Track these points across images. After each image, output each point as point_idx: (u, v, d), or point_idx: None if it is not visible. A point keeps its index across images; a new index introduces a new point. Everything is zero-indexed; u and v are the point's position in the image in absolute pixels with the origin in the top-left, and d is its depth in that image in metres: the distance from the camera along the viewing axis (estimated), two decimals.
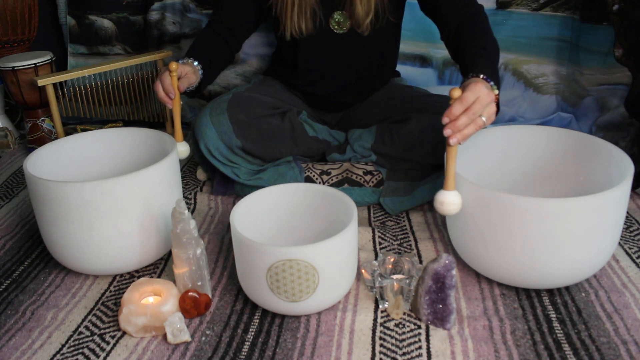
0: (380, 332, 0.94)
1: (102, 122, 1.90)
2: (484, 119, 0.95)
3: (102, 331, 0.98)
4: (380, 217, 1.32)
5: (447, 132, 0.93)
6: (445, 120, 0.94)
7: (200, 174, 1.54)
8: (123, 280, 1.12)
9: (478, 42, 1.12)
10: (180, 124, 1.24)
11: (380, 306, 1.00)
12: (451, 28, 1.21)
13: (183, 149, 1.23)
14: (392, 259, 1.03)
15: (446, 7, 1.22)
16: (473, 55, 1.08)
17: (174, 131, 1.25)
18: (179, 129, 1.24)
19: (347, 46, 1.39)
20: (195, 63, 1.29)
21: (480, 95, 0.94)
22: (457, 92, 0.93)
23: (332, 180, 1.37)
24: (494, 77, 1.02)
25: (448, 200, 0.97)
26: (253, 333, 0.96)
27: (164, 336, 0.95)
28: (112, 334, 0.97)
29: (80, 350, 0.94)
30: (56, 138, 1.71)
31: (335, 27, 1.35)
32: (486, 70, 1.02)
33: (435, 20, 1.30)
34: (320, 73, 1.44)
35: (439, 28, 1.27)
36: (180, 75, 1.23)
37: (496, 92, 1.00)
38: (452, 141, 0.94)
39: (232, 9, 1.41)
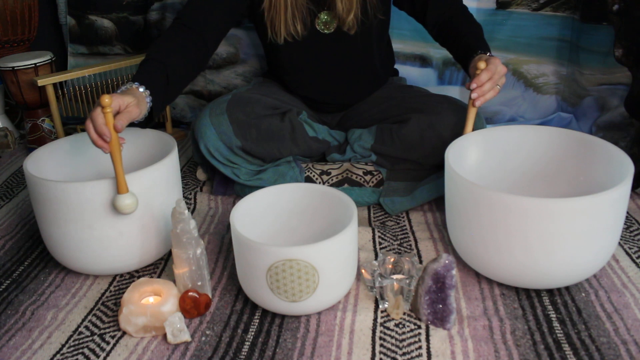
0: (380, 332, 0.94)
1: None
2: (498, 87, 1.16)
3: (102, 331, 0.98)
4: (380, 217, 1.32)
5: (474, 95, 1.14)
6: (473, 85, 1.14)
7: (200, 174, 1.54)
8: (123, 280, 1.12)
9: (472, 29, 1.31)
10: (122, 172, 0.99)
11: (380, 306, 1.00)
12: (440, 21, 1.35)
13: (129, 201, 0.99)
14: (392, 259, 1.03)
15: (436, 5, 1.35)
16: (475, 39, 1.27)
17: (117, 181, 0.99)
18: (121, 179, 0.99)
19: (335, 46, 1.37)
20: (142, 89, 1.07)
21: (499, 67, 1.15)
22: (483, 64, 1.14)
23: (332, 180, 1.37)
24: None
25: None
26: (253, 333, 0.96)
27: (164, 336, 0.95)
28: (112, 334, 0.97)
29: (80, 350, 0.94)
30: (56, 138, 1.71)
31: (322, 27, 1.33)
32: (488, 50, 1.24)
33: (421, 16, 1.38)
34: (312, 75, 1.43)
35: (425, 22, 1.38)
36: (119, 110, 1.00)
37: None
38: (477, 103, 1.14)
39: (206, 7, 1.26)
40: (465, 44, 1.27)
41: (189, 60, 1.22)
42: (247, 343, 0.93)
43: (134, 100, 1.03)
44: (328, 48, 1.37)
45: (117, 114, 1.00)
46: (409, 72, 1.75)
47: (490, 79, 1.13)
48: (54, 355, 0.93)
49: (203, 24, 1.25)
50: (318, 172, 1.38)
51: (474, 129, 1.25)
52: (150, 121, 1.13)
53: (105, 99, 0.95)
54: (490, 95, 1.14)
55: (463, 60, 1.29)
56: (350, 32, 1.32)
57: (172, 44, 1.21)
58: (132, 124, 1.05)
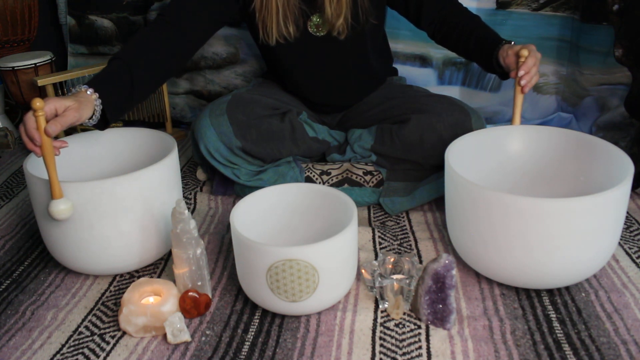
0: (380, 332, 0.94)
1: None
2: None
3: (102, 331, 0.98)
4: (380, 217, 1.32)
5: (523, 82, 1.13)
6: (521, 73, 1.12)
7: (200, 174, 1.54)
8: (123, 280, 1.12)
9: (477, 22, 1.31)
10: (56, 177, 0.97)
11: (380, 306, 1.00)
12: (437, 20, 1.35)
13: (63, 207, 0.97)
14: (392, 259, 1.03)
15: (431, 4, 1.34)
16: (486, 31, 1.28)
17: (50, 186, 0.97)
18: (55, 183, 0.97)
19: (328, 49, 1.35)
20: (89, 92, 1.04)
21: (537, 53, 1.15)
22: (526, 51, 1.13)
23: (332, 180, 1.37)
24: None
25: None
26: (253, 333, 0.96)
27: (164, 336, 0.95)
28: (112, 334, 0.97)
29: (80, 350, 0.94)
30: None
31: (314, 29, 1.32)
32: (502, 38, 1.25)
33: (415, 15, 1.37)
34: (307, 77, 1.42)
35: (419, 21, 1.37)
36: (56, 113, 0.97)
37: None
38: (526, 89, 1.13)
39: (194, 5, 1.23)
40: (477, 37, 1.27)
41: (164, 60, 1.19)
42: (247, 343, 0.93)
43: (74, 104, 0.99)
44: (321, 50, 1.36)
45: (55, 117, 0.97)
46: (409, 72, 1.75)
47: (534, 64, 1.14)
48: (54, 355, 0.93)
49: (187, 22, 1.22)
50: (318, 172, 1.38)
51: (474, 129, 1.25)
52: (106, 124, 1.10)
53: (37, 102, 0.93)
54: (535, 81, 1.15)
55: (478, 53, 1.28)
56: (340, 36, 1.30)
57: (147, 42, 1.17)
58: (81, 127, 1.03)
